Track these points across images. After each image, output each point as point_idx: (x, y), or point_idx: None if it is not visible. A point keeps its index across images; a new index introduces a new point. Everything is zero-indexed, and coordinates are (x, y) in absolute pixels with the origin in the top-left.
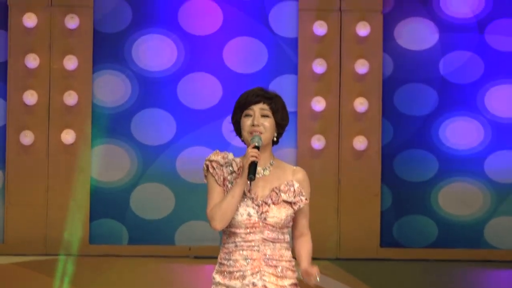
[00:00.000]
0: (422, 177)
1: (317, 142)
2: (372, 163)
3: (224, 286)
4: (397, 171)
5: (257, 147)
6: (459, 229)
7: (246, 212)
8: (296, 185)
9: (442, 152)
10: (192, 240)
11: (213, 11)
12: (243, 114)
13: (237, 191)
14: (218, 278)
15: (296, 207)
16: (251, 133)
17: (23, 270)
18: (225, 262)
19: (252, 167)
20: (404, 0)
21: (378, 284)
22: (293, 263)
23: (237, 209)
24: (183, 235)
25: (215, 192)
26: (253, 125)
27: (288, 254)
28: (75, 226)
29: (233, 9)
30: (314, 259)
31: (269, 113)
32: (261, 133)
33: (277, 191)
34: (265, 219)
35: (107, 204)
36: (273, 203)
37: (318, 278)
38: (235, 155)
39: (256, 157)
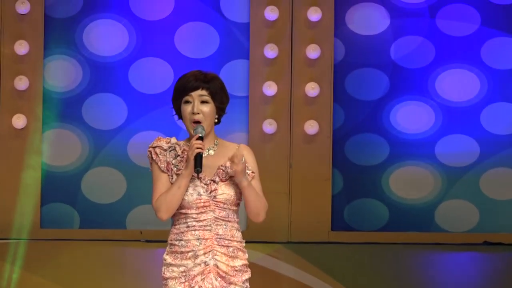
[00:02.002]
0: (373, 161)
1: (269, 126)
2: (323, 147)
3: (175, 267)
4: (348, 155)
5: (201, 138)
6: (410, 213)
7: (196, 192)
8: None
9: (393, 136)
10: (143, 224)
11: None
12: (183, 100)
13: (183, 182)
14: (169, 259)
15: None
16: (191, 121)
17: None
18: (176, 243)
19: (198, 159)
20: None
21: (330, 267)
22: (243, 245)
23: (186, 190)
24: (134, 219)
25: (160, 182)
26: (193, 113)
27: (239, 235)
28: (26, 211)
29: None
30: (265, 242)
31: (208, 98)
32: (201, 121)
33: (223, 168)
34: (215, 197)
35: (58, 188)
36: (221, 181)
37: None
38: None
39: (201, 148)
